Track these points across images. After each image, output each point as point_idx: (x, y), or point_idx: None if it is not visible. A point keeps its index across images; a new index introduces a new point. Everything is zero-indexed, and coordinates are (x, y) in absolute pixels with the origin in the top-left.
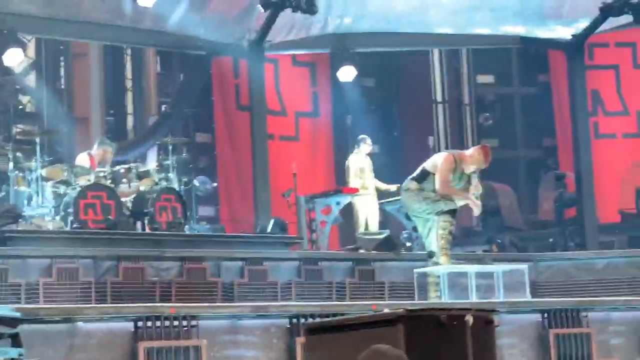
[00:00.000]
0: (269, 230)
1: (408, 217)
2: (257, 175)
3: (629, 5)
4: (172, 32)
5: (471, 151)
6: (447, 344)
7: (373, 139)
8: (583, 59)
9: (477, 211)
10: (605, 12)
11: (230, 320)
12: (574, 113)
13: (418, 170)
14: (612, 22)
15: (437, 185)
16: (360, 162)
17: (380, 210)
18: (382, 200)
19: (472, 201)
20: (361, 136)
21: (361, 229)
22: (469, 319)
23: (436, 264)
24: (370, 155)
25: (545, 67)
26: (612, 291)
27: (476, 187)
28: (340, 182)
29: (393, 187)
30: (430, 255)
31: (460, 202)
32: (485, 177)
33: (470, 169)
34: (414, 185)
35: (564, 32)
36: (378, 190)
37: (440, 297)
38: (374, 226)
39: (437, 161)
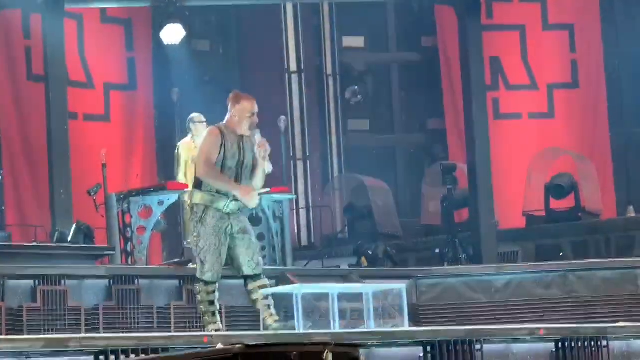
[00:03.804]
0: (69, 238)
1: (255, 220)
2: (55, 166)
3: None
4: None
5: (229, 106)
6: None
7: (208, 119)
8: (479, 17)
9: (251, 202)
10: None
11: (17, 359)
12: (468, 87)
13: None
14: None
15: (197, 168)
16: (193, 149)
17: None
18: None
19: (242, 189)
20: (192, 115)
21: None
22: (328, 356)
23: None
24: None
25: (431, 28)
26: (515, 317)
27: (261, 146)
28: (164, 175)
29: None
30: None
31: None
32: (354, 170)
33: (244, 125)
34: (194, 195)
35: None
36: None
37: (280, 321)
38: None
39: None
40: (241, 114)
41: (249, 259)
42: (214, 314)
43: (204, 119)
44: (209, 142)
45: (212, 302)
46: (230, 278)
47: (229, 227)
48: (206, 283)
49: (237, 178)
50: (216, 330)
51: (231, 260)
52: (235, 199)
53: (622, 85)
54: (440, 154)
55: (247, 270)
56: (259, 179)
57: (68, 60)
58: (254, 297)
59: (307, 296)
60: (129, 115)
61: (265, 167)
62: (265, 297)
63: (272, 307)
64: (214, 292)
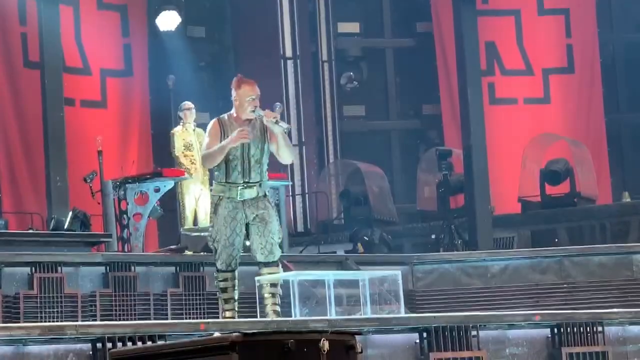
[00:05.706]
0: (66, 225)
1: None
2: (51, 152)
3: None
4: None
5: (232, 92)
6: None
7: (203, 105)
8: (474, 1)
9: (249, 135)
10: None
11: (14, 346)
12: (463, 72)
13: None
14: None
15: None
16: (187, 135)
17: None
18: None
19: (233, 136)
20: (183, 103)
21: (187, 224)
22: (324, 344)
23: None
24: (201, 126)
25: (426, 13)
26: (511, 303)
27: (267, 115)
28: (159, 161)
29: None
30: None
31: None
32: (349, 155)
33: (246, 109)
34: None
35: None
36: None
37: (279, 314)
38: (204, 220)
39: None
40: (241, 98)
41: (262, 246)
42: (226, 300)
43: (191, 105)
44: (207, 134)
45: (224, 290)
46: None
47: (243, 215)
48: (218, 270)
49: (244, 166)
50: (226, 317)
51: (250, 246)
52: (249, 185)
53: (616, 70)
54: (436, 139)
55: (259, 257)
56: (282, 146)
57: (64, 46)
58: (261, 283)
59: (303, 283)
60: (124, 102)
61: (283, 127)
62: (274, 285)
63: (277, 296)
64: (226, 280)
